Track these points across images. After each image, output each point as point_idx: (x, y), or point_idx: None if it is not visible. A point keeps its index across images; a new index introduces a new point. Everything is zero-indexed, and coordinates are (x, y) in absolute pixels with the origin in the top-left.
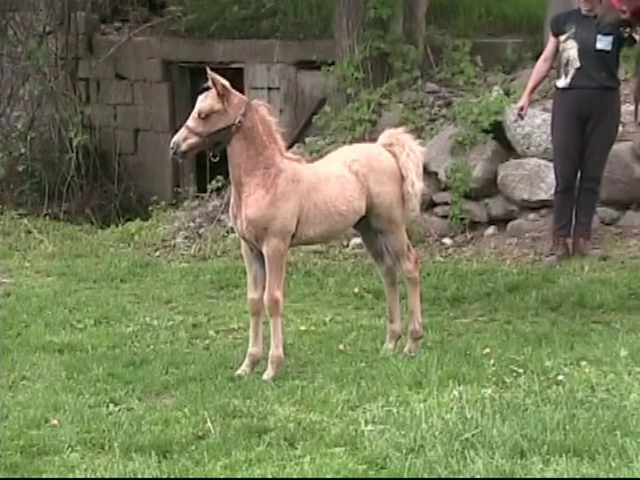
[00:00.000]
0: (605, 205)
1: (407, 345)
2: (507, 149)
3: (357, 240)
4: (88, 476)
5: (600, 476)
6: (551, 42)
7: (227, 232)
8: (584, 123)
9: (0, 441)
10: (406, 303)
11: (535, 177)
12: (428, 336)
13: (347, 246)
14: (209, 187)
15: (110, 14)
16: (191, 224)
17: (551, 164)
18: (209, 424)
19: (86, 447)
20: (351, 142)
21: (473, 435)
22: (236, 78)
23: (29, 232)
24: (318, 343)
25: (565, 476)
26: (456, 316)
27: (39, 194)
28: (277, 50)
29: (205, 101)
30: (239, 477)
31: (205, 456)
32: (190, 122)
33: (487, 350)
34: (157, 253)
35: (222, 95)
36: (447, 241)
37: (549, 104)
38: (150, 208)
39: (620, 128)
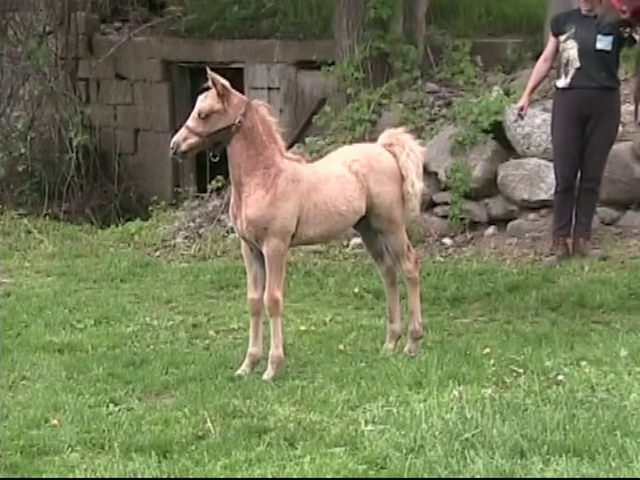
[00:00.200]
0: (605, 205)
1: (407, 345)
2: (507, 149)
3: (357, 240)
4: (88, 476)
5: (600, 476)
6: (551, 42)
7: (227, 232)
8: (584, 123)
9: (0, 441)
10: (406, 303)
11: (535, 177)
12: (428, 336)
13: (347, 246)
14: (209, 187)
15: (110, 14)
16: (191, 224)
17: (551, 164)
18: (209, 424)
19: (86, 447)
20: (351, 142)
21: (473, 435)
22: (236, 78)
23: (29, 232)
24: (318, 343)
25: (565, 476)
26: (456, 316)
27: (39, 194)
28: (277, 50)
29: (205, 101)
30: (239, 477)
31: (205, 456)
32: (190, 122)
33: (487, 350)
34: (157, 253)
35: (222, 95)
36: (447, 241)
37: (549, 104)
38: (150, 208)
39: (620, 128)
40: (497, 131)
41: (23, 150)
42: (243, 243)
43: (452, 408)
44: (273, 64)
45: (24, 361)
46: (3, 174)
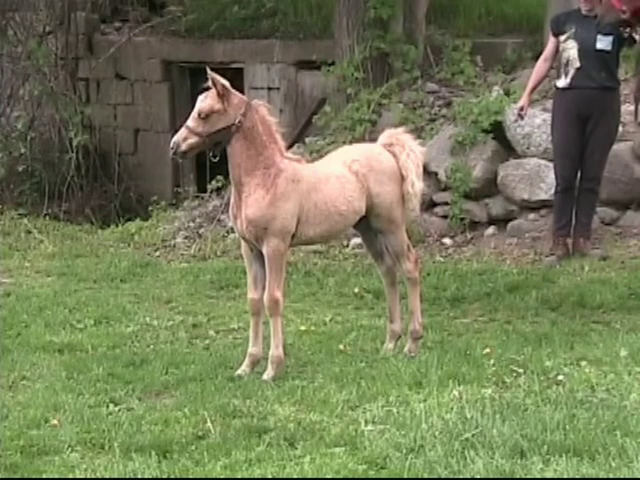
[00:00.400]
0: (605, 205)
1: (407, 345)
2: (507, 149)
3: (357, 240)
4: (88, 476)
5: (600, 476)
6: (551, 42)
7: (227, 232)
8: (584, 123)
9: (0, 441)
10: (406, 303)
11: (535, 177)
12: (428, 336)
13: (347, 246)
14: (209, 187)
15: (110, 14)
16: (191, 224)
17: (551, 164)
18: (209, 424)
19: (86, 447)
20: (351, 142)
21: (473, 435)
22: (236, 78)
23: (29, 232)
24: (318, 343)
25: (565, 476)
26: (456, 316)
27: (39, 194)
28: (277, 50)
29: (205, 101)
30: (239, 477)
31: (205, 456)
32: (190, 122)
33: (487, 350)
34: (157, 253)
35: (222, 95)
36: (447, 241)
37: (549, 104)
38: (150, 208)
39: (620, 128)
40: (497, 131)
41: (23, 150)
42: (243, 243)
43: (452, 408)
44: (273, 64)
45: (24, 361)
46: (3, 174)
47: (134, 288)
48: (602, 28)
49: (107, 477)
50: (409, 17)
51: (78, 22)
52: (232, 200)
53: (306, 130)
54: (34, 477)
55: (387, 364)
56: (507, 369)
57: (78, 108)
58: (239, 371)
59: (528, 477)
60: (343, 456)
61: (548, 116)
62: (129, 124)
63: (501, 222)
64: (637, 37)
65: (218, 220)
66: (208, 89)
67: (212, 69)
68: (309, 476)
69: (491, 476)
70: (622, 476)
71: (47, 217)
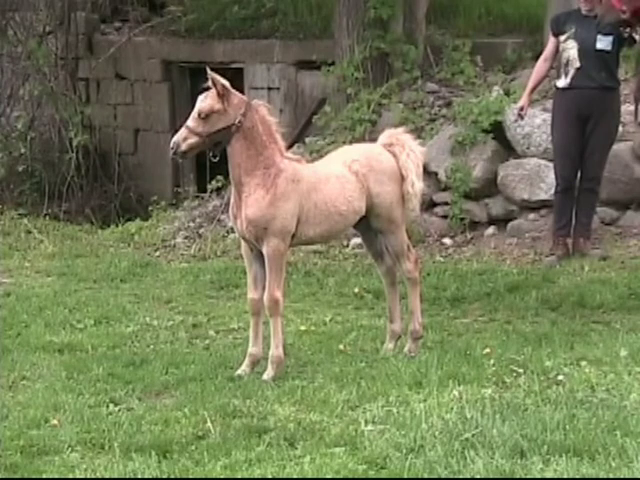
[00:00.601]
0: (605, 205)
1: (407, 345)
2: (507, 149)
3: (357, 240)
4: (88, 476)
5: (600, 476)
6: (551, 42)
7: (227, 232)
8: (584, 123)
9: (0, 441)
10: (406, 303)
11: (535, 177)
12: (428, 336)
13: (347, 246)
14: (209, 187)
15: (110, 14)
16: (191, 224)
17: (551, 164)
18: (209, 424)
19: (86, 447)
20: (351, 142)
21: (473, 435)
22: (236, 78)
23: (29, 232)
24: (318, 343)
25: (565, 476)
26: (456, 316)
27: (39, 194)
28: (277, 50)
29: (205, 101)
30: (239, 477)
31: (205, 456)
32: (190, 122)
33: (487, 350)
34: (157, 253)
35: (222, 95)
36: (447, 241)
37: (549, 104)
38: (150, 208)
39: (620, 128)
40: (497, 131)
41: (23, 150)
42: (243, 243)
43: (452, 408)
44: (273, 64)
45: (24, 361)
46: (3, 174)
47: (134, 288)
48: (602, 28)
49: (107, 477)
50: (409, 17)
51: (78, 22)
52: (232, 200)
53: (306, 130)
54: (34, 477)
55: (387, 364)
56: (507, 369)
57: (78, 108)
58: (239, 371)
59: (528, 477)
60: (343, 456)
61: (548, 116)
62: (129, 124)
63: (501, 222)
64: (637, 37)
65: (218, 220)
66: (208, 89)
67: (212, 69)
68: (309, 476)
69: (491, 476)
70: (622, 476)
71: (47, 217)
